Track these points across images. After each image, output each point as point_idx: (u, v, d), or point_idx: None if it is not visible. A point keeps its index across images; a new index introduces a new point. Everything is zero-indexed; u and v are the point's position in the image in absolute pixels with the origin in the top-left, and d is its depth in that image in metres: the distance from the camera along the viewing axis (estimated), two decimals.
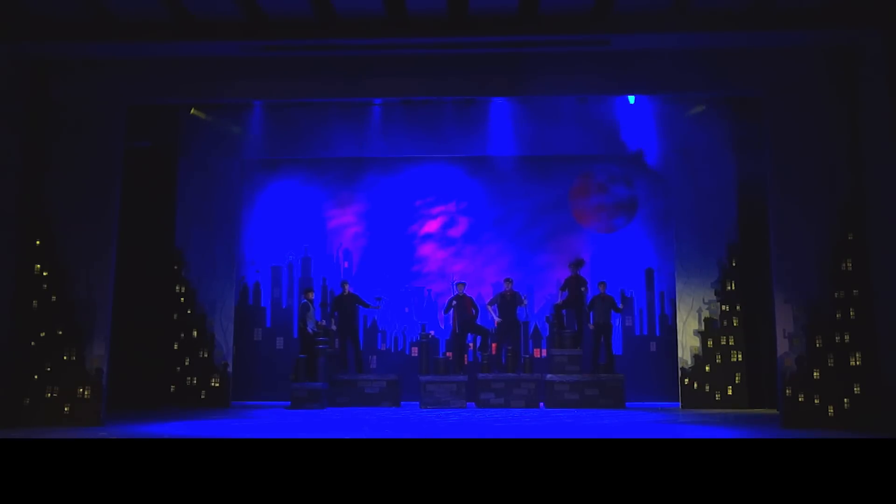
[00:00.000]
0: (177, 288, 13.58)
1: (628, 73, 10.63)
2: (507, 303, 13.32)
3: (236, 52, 10.48)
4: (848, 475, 5.08)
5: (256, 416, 11.30)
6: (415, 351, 14.12)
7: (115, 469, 5.25)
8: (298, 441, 7.36)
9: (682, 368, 13.26)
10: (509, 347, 13.12)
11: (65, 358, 10.17)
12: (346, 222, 14.73)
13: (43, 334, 10.22)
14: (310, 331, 12.98)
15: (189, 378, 13.29)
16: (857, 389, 9.86)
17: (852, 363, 9.92)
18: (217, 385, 13.26)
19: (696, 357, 13.24)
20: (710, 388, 13.10)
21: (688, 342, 13.32)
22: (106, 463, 5.35)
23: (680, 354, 13.34)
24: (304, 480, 5.15)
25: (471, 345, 13.84)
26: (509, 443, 7.09)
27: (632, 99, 13.19)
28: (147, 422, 10.32)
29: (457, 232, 14.68)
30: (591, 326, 13.35)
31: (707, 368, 13.17)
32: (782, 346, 10.13)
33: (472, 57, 10.65)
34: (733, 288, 13.34)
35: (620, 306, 13.70)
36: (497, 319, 13.32)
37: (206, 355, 13.38)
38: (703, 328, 13.30)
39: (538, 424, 10.12)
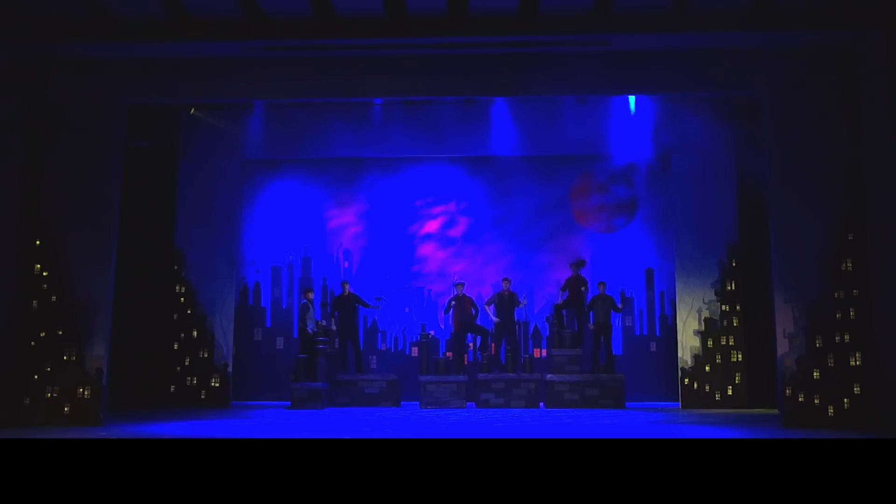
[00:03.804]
0: (177, 288, 13.57)
1: (628, 73, 10.63)
2: (504, 303, 13.31)
3: (236, 52, 10.48)
4: (848, 475, 5.08)
5: (256, 416, 11.30)
6: (415, 351, 14.11)
7: (115, 469, 5.24)
8: (298, 441, 7.36)
9: (682, 368, 13.26)
10: (507, 348, 13.11)
11: (65, 358, 10.18)
12: (346, 222, 14.72)
13: (43, 334, 10.22)
14: (310, 331, 12.98)
15: (189, 378, 13.28)
16: (857, 389, 9.86)
17: (852, 363, 9.93)
18: (217, 385, 13.26)
19: (696, 357, 13.23)
20: (710, 388, 13.09)
21: (688, 342, 13.31)
22: (106, 463, 5.35)
23: (680, 354, 13.33)
24: (304, 480, 5.15)
25: (471, 345, 13.83)
26: (509, 443, 7.08)
27: (632, 104, 13.18)
28: (147, 422, 10.32)
29: (457, 232, 14.67)
30: (590, 326, 13.34)
31: (707, 368, 13.16)
32: (782, 346, 10.13)
33: (472, 57, 10.65)
34: (733, 288, 13.33)
35: (620, 306, 13.69)
36: (495, 319, 13.31)
37: (206, 355, 13.37)
38: (703, 328, 13.29)
39: (538, 424, 10.12)
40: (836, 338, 10.00)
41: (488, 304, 13.45)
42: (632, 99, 13.15)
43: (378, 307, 13.78)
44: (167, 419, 10.69)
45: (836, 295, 10.07)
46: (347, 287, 13.50)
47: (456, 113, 13.76)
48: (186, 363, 13.33)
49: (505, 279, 13.46)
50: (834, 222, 10.14)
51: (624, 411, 12.05)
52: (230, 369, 13.36)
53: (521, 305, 13.44)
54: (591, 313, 13.39)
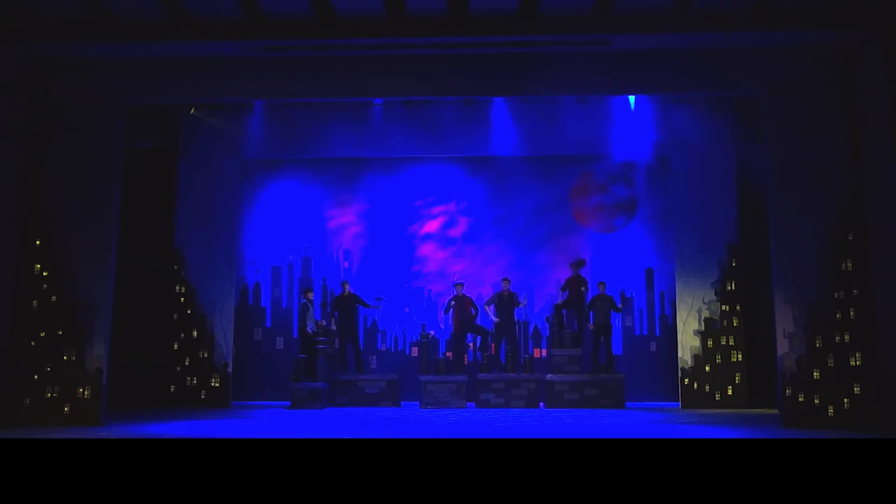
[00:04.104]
0: (177, 288, 13.57)
1: (628, 73, 10.63)
2: (504, 303, 13.31)
3: (236, 52, 10.48)
4: (848, 475, 5.08)
5: (256, 416, 11.30)
6: (415, 351, 14.11)
7: (115, 469, 5.24)
8: (298, 441, 7.36)
9: (682, 368, 13.26)
10: (507, 348, 13.12)
11: (65, 358, 10.18)
12: (346, 222, 14.72)
13: (43, 334, 10.22)
14: (310, 331, 12.98)
15: (189, 378, 13.29)
16: (857, 389, 9.86)
17: (852, 363, 9.93)
18: (217, 385, 13.26)
19: (696, 357, 13.24)
20: (710, 388, 13.09)
21: (688, 342, 13.31)
22: (106, 463, 5.35)
23: (680, 354, 13.33)
24: (304, 480, 5.15)
25: (471, 345, 13.83)
26: (509, 443, 7.09)
27: (632, 103, 13.19)
28: (147, 422, 10.32)
29: (457, 232, 14.67)
30: (590, 326, 13.34)
31: (707, 368, 13.16)
32: (782, 346, 10.14)
33: (472, 57, 10.65)
34: (733, 288, 13.33)
35: (620, 306, 13.69)
36: (495, 319, 13.31)
37: (206, 355, 13.37)
38: (703, 328, 13.29)
39: (538, 424, 10.12)
40: (836, 338, 10.00)
41: (488, 304, 13.45)
42: (631, 97, 13.15)
43: (378, 307, 13.78)
44: (167, 419, 10.68)
45: (836, 295, 10.07)
46: (347, 287, 13.50)
47: (456, 113, 13.76)
48: (186, 363, 13.33)
49: (505, 279, 13.46)
50: (834, 222, 10.14)
51: (624, 411, 12.04)
52: (230, 369, 13.37)
53: (521, 305, 13.43)
54: (591, 313, 13.39)
